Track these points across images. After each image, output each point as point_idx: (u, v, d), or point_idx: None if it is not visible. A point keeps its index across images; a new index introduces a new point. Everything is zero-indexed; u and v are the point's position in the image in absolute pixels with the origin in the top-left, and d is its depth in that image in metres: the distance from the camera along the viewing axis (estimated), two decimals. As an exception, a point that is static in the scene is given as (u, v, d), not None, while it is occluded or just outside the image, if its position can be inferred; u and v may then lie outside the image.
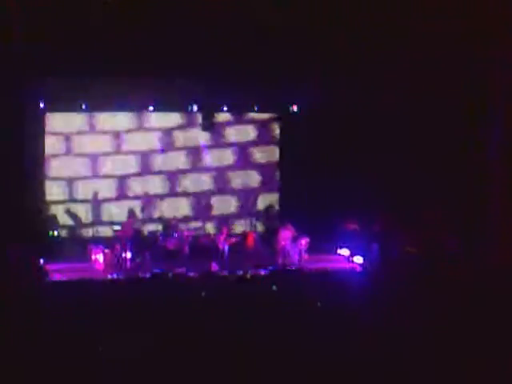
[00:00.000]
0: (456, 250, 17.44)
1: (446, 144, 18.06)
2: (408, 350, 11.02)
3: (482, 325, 11.95)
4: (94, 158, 21.61)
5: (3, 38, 15.53)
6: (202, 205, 22.50)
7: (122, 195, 21.97)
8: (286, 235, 19.34)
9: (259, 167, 23.16)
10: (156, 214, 22.00)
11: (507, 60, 15.78)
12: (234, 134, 22.81)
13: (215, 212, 22.60)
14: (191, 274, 17.47)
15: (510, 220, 16.31)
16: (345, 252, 20.23)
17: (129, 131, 21.94)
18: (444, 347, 11.14)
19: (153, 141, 22.17)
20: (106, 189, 21.85)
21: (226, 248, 19.30)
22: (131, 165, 22.01)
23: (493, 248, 16.32)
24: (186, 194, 22.51)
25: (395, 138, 19.23)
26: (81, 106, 20.44)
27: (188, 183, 22.53)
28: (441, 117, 17.94)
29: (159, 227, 21.13)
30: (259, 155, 23.09)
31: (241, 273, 17.82)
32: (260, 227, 22.47)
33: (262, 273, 17.93)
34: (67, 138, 21.35)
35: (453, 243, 17.71)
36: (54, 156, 21.25)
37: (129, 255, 18.59)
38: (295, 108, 22.21)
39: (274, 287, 15.94)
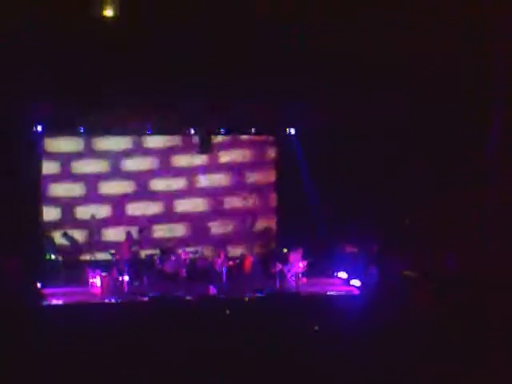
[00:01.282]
0: (453, 269, 17.41)
1: (443, 165, 18.08)
2: (407, 374, 10.98)
3: (482, 345, 11.92)
4: (91, 181, 21.65)
5: (1, 61, 15.57)
6: (199, 228, 22.52)
7: (119, 218, 21.98)
8: (294, 258, 19.33)
9: (256, 190, 23.20)
10: (153, 237, 22.05)
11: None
12: (230, 156, 22.88)
13: (212, 235, 22.60)
14: (189, 298, 17.41)
15: (508, 234, 16.28)
16: (343, 275, 20.19)
17: (126, 154, 22.00)
18: (445, 370, 11.11)
19: (150, 164, 22.24)
20: (104, 212, 21.87)
21: (224, 271, 19.27)
22: (128, 188, 22.06)
23: (491, 264, 16.28)
24: (183, 217, 22.52)
25: (392, 159, 19.26)
26: (78, 129, 20.49)
27: (185, 206, 22.56)
28: (437, 137, 17.96)
29: (156, 250, 21.11)
30: (256, 177, 23.13)
31: (238, 296, 17.76)
32: (257, 250, 22.44)
33: (260, 296, 17.87)
34: (65, 161, 21.40)
35: (450, 262, 17.69)
36: (52, 179, 21.28)
37: (126, 279, 18.53)
38: (292, 130, 22.28)
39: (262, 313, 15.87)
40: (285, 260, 19.59)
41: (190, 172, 22.61)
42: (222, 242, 21.67)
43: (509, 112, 16.09)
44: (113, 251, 19.87)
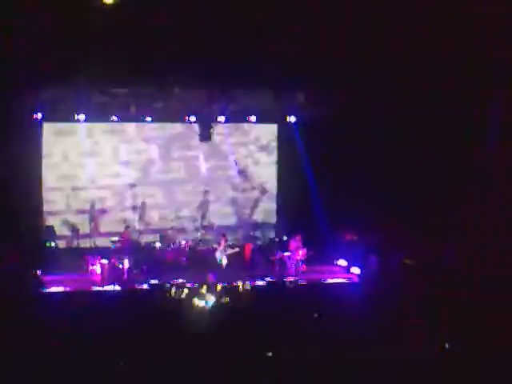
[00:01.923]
0: (453, 260, 17.42)
1: (443, 153, 18.06)
2: (405, 361, 11.02)
3: (481, 334, 11.95)
4: (91, 168, 21.64)
5: (1, 49, 15.54)
6: (199, 215, 22.53)
7: (119, 205, 22.01)
8: (294, 245, 19.35)
9: (257, 177, 23.20)
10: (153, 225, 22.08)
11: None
12: (231, 144, 22.88)
13: (213, 222, 22.59)
14: (189, 285, 17.40)
15: (508, 228, 16.29)
16: (342, 263, 20.20)
17: (126, 141, 22.00)
18: (443, 359, 11.14)
19: (151, 151, 22.26)
20: (104, 199, 21.88)
21: (224, 259, 19.28)
22: (129, 175, 22.08)
23: (489, 257, 16.29)
24: (184, 205, 22.54)
25: (392, 148, 19.25)
26: (79, 116, 20.44)
27: (186, 194, 22.59)
28: (437, 125, 17.93)
29: (157, 238, 21.10)
30: (257, 165, 23.13)
31: (238, 284, 17.75)
32: (257, 238, 22.42)
33: (260, 283, 17.87)
34: (65, 148, 21.38)
35: (449, 253, 17.70)
36: (52, 166, 21.28)
37: (126, 266, 18.54)
38: (292, 118, 22.22)
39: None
40: (285, 248, 19.61)
41: (190, 159, 22.64)
42: (222, 230, 21.55)
43: (509, 110, 16.11)
44: (113, 238, 19.90)
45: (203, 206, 22.50)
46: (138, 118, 21.38)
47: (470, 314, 12.99)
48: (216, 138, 22.46)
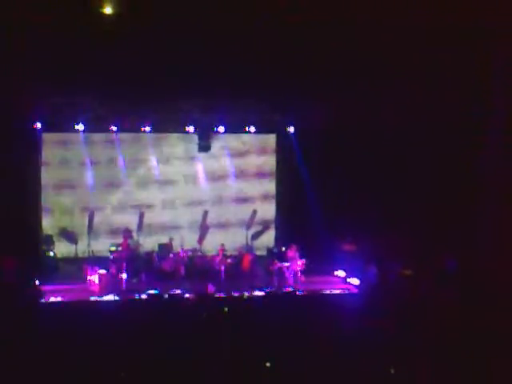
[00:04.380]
0: (453, 270, 17.40)
1: (443, 161, 18.07)
2: (405, 372, 11.00)
3: (481, 346, 11.92)
4: (90, 178, 21.69)
5: (2, 59, 15.59)
6: (198, 225, 22.56)
7: (118, 215, 22.02)
8: (290, 256, 19.36)
9: (256, 188, 23.20)
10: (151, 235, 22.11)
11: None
12: (230, 155, 22.92)
13: (211, 232, 22.59)
14: (187, 296, 17.39)
15: (507, 237, 16.26)
16: (341, 273, 20.19)
17: (125, 151, 22.04)
18: (442, 369, 11.12)
19: (149, 160, 22.32)
20: (103, 209, 21.90)
21: (222, 269, 19.28)
22: (129, 185, 22.12)
23: (490, 266, 16.27)
24: (183, 215, 22.59)
25: (392, 158, 19.26)
26: (77, 126, 20.48)
27: (186, 204, 22.62)
28: (435, 132, 17.94)
29: (155, 248, 21.09)
30: (256, 176, 23.14)
31: (237, 294, 17.74)
32: (256, 248, 22.43)
33: (258, 294, 17.85)
34: (63, 159, 21.42)
35: (449, 263, 17.68)
36: (51, 176, 21.30)
37: (124, 276, 18.52)
38: (291, 129, 22.25)
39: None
40: (283, 258, 19.60)
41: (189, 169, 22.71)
42: (220, 240, 21.55)
43: (508, 112, 16.09)
44: (112, 248, 19.89)
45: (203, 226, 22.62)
46: (137, 129, 21.44)
47: (472, 325, 12.97)
48: (215, 148, 22.55)
